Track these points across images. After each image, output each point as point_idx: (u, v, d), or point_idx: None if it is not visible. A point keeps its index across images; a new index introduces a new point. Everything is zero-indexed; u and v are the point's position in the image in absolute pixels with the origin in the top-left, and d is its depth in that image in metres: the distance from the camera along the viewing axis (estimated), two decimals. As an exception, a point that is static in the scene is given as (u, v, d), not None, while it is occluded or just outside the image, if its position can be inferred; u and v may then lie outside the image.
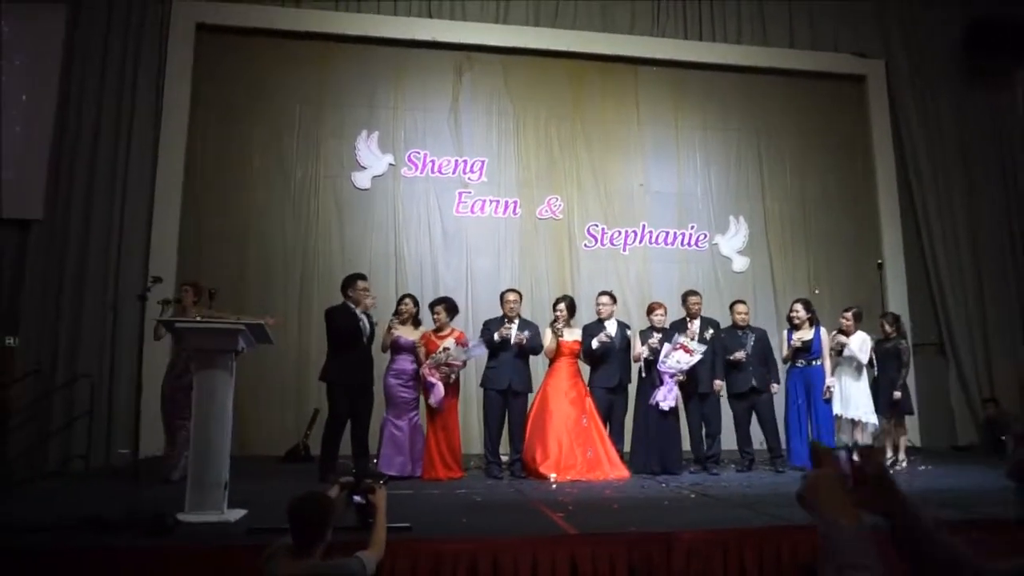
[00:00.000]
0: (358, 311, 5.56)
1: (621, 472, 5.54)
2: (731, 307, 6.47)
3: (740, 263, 8.84)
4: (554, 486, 5.17)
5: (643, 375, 5.82)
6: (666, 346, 5.65)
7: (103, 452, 6.58)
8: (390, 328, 5.60)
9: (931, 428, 8.75)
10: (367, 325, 5.57)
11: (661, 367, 5.61)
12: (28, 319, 7.14)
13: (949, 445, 8.57)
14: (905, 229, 9.17)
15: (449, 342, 5.64)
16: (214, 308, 5.57)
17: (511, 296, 5.83)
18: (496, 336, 5.64)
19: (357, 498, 2.86)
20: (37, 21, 7.60)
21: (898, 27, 9.57)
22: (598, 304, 6.03)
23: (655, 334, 5.84)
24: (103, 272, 7.33)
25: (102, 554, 2.95)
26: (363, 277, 5.81)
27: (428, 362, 5.54)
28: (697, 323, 6.09)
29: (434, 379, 5.49)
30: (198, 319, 4.14)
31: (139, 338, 6.72)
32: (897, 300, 8.86)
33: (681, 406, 5.93)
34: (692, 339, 5.83)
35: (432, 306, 5.84)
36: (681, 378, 5.71)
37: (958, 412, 8.86)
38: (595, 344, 5.71)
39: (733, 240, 8.87)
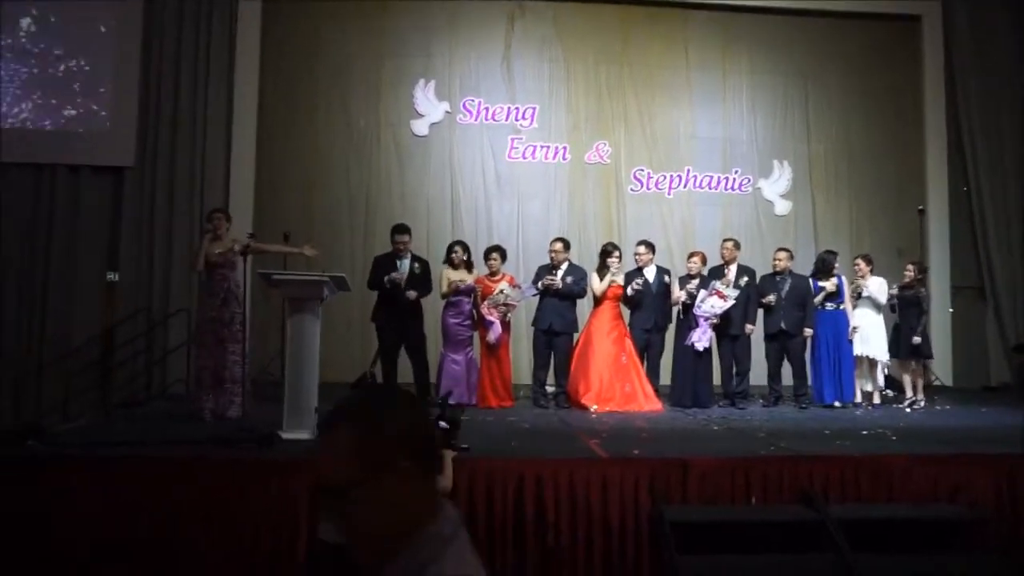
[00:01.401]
0: (400, 259, 6.17)
1: (655, 405, 6.14)
2: (774, 254, 6.85)
3: (782, 207, 9.10)
4: (594, 416, 5.81)
5: (680, 317, 6.34)
6: (702, 292, 6.15)
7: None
8: (452, 283, 6.18)
9: (965, 368, 9.05)
10: (406, 269, 6.13)
11: (697, 311, 6.13)
12: (126, 257, 7.98)
13: (981, 385, 8.88)
14: (951, 175, 9.24)
15: (503, 285, 6.23)
16: (258, 240, 5.88)
17: (557, 245, 6.37)
18: (539, 285, 6.24)
19: (442, 423, 3.52)
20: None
21: (958, -37, 9.40)
22: (636, 253, 6.51)
23: (692, 280, 6.32)
24: (188, 215, 8.06)
25: (225, 462, 3.71)
26: (404, 229, 6.32)
27: (487, 302, 6.15)
28: (734, 269, 6.54)
29: (493, 317, 6.12)
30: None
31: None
32: (939, 244, 9.07)
33: (715, 346, 6.46)
34: (728, 286, 6.30)
35: (488, 252, 6.40)
36: (715, 321, 6.21)
37: (993, 354, 9.12)
38: (630, 291, 6.25)
39: (776, 184, 9.12)
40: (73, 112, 8.09)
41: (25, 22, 8.03)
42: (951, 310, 9.03)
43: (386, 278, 6.03)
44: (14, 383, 7.58)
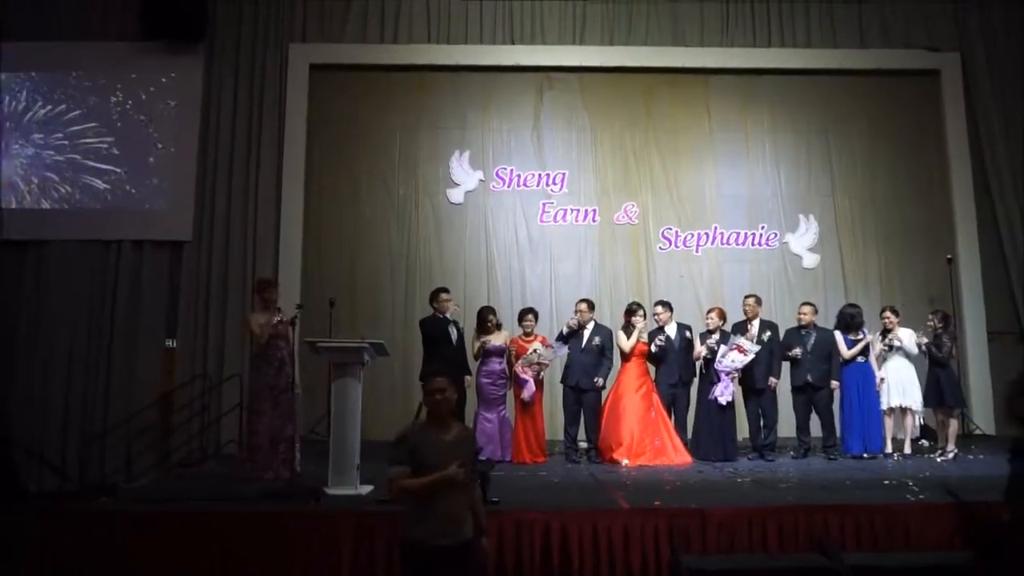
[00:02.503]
0: (446, 317, 6.54)
1: (684, 458, 6.33)
2: (798, 309, 7.04)
3: (810, 260, 9.25)
4: (624, 470, 6.02)
5: (702, 372, 6.56)
6: (722, 347, 6.37)
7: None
8: (483, 344, 6.53)
9: (1008, 417, 8.94)
10: (454, 330, 6.52)
11: (718, 366, 6.35)
12: (184, 325, 8.55)
13: (1025, 433, 8.75)
14: (980, 221, 9.31)
15: (536, 345, 6.55)
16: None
17: (582, 306, 6.71)
18: (564, 329, 6.62)
19: None
20: (179, 70, 8.97)
21: (974, 19, 9.61)
22: (655, 314, 6.78)
23: (712, 336, 6.55)
24: (241, 285, 8.62)
25: (274, 516, 4.05)
26: (445, 290, 6.79)
27: (520, 362, 6.47)
28: (756, 325, 6.75)
29: (527, 376, 6.43)
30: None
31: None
32: (972, 292, 9.11)
33: (741, 399, 6.63)
34: (752, 340, 6.51)
35: (523, 315, 6.75)
36: (737, 375, 6.40)
37: (1035, 401, 9.01)
38: (653, 348, 6.52)
39: (803, 238, 9.31)
40: (135, 192, 8.81)
41: (114, 101, 8.87)
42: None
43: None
44: (80, 444, 8.11)
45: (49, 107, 8.90)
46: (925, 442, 7.21)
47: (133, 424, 7.85)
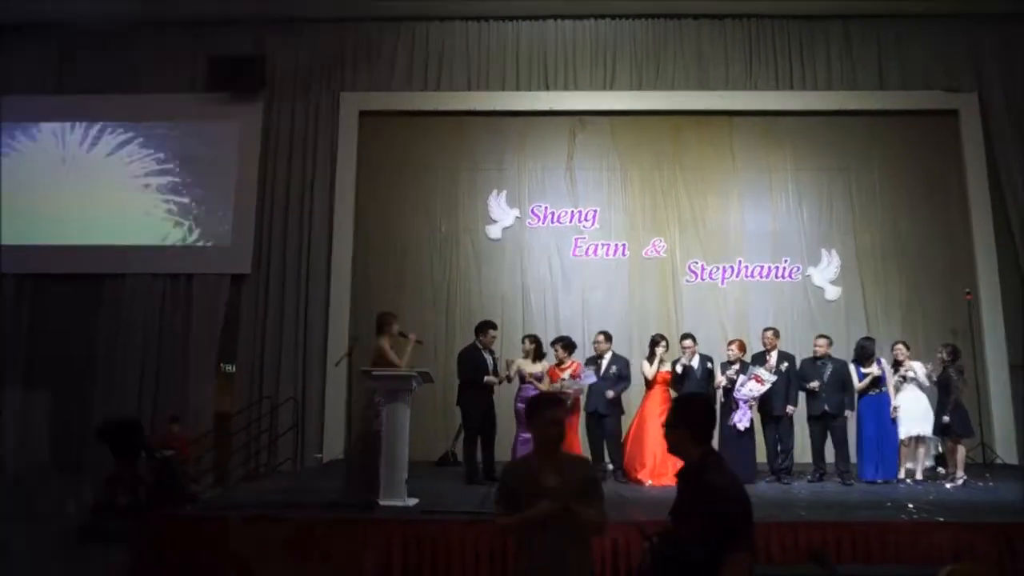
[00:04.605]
0: (484, 353, 7.07)
1: (704, 480, 6.77)
2: (814, 341, 7.47)
3: (832, 292, 9.66)
4: (647, 489, 6.52)
5: (722, 401, 7.03)
6: (741, 377, 6.84)
7: (302, 456, 8.59)
8: (508, 364, 7.10)
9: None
10: (492, 361, 7.07)
11: (736, 395, 6.81)
12: (242, 351, 9.30)
13: (1048, 463, 8.97)
14: (1001, 257, 9.60)
15: (566, 374, 7.08)
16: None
17: (599, 337, 7.29)
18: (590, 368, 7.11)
19: None
20: (241, 117, 9.83)
21: (991, 60, 9.99)
22: (683, 346, 7.26)
23: (732, 366, 7.03)
24: (295, 314, 9.36)
25: (335, 523, 4.66)
26: (494, 326, 7.31)
27: (551, 390, 7.00)
28: (775, 356, 7.20)
29: (556, 403, 6.97)
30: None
31: (323, 368, 8.76)
32: (993, 325, 9.38)
33: (759, 425, 7.08)
34: (770, 371, 6.97)
35: (552, 344, 7.29)
36: (754, 403, 6.86)
37: (1057, 431, 9.23)
38: (678, 368, 7.05)
39: (825, 271, 9.72)
40: (202, 229, 9.65)
41: (180, 147, 9.79)
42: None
43: (485, 379, 6.94)
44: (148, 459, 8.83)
45: (123, 151, 9.83)
46: (941, 469, 7.51)
47: (198, 442, 8.57)
